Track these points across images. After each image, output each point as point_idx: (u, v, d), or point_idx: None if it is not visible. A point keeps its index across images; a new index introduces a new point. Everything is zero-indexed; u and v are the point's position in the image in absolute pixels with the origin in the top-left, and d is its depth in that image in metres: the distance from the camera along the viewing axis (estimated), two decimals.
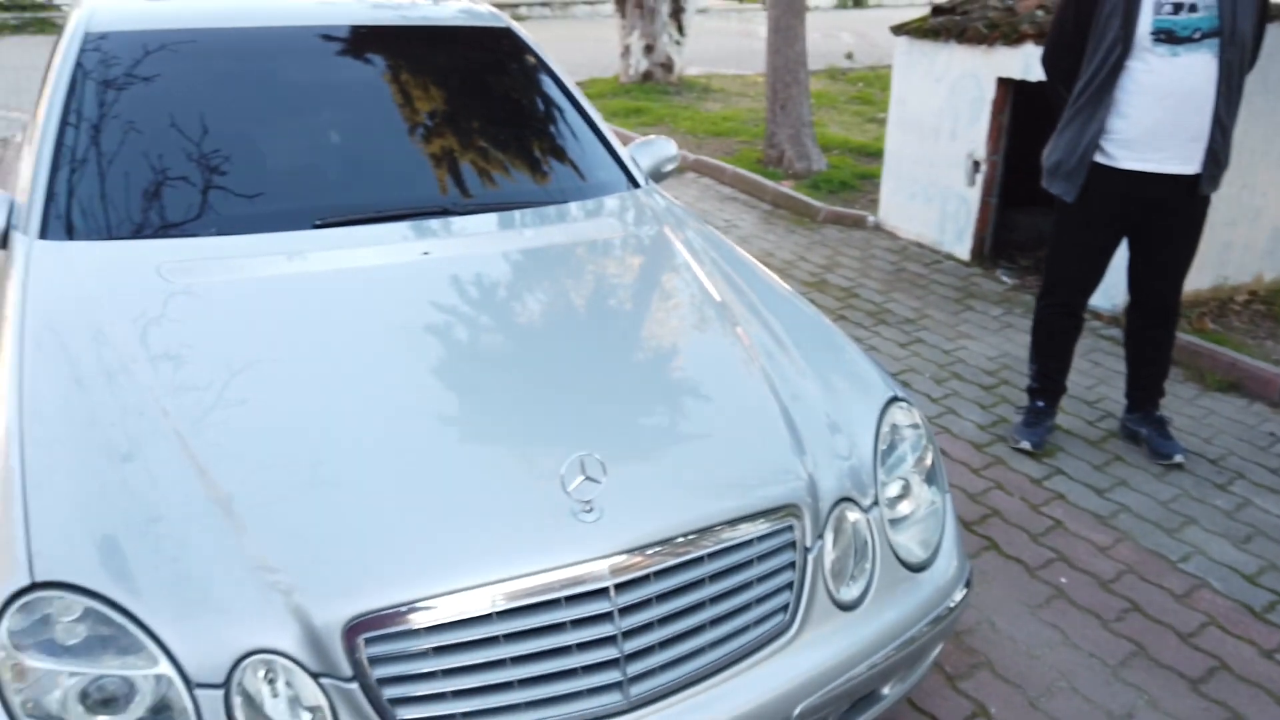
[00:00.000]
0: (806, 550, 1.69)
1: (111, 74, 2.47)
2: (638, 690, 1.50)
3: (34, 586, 1.37)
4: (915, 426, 1.99)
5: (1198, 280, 4.30)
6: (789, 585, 1.67)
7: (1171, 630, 2.47)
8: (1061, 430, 3.45)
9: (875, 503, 1.82)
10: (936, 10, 5.43)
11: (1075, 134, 3.04)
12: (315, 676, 1.38)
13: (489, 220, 2.41)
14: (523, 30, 3.14)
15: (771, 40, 6.98)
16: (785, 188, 6.46)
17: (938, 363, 4.02)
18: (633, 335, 2.02)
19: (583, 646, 1.48)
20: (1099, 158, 3.01)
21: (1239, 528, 2.90)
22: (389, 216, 2.34)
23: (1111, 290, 4.20)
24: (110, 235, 2.18)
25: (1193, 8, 2.82)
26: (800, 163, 6.89)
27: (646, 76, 10.62)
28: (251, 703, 1.38)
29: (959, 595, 1.89)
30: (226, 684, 1.36)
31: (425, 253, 2.21)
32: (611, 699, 1.49)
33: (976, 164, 5.08)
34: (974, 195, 5.15)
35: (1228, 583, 2.66)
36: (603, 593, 1.49)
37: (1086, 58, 2.99)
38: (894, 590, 1.79)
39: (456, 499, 1.54)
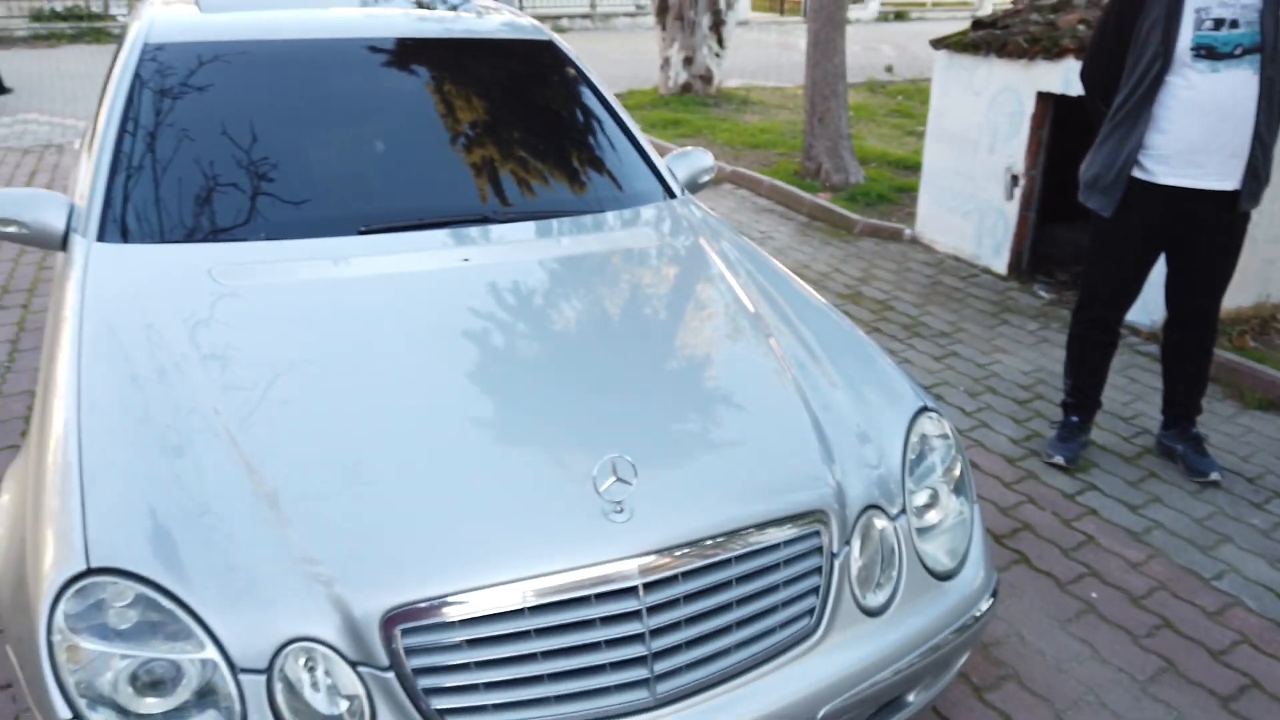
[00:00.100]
0: (833, 556, 1.72)
1: (167, 84, 2.56)
2: (664, 688, 1.54)
3: (89, 572, 1.43)
4: (944, 437, 2.01)
5: (1239, 297, 4.26)
6: (815, 590, 1.70)
7: (1203, 647, 2.46)
8: (1096, 446, 3.43)
9: (903, 511, 1.84)
10: (977, 24, 5.43)
11: (1113, 149, 3.04)
12: (353, 665, 1.43)
13: (527, 229, 2.46)
14: (564, 43, 3.20)
15: (810, 53, 7.01)
16: (822, 200, 6.47)
17: (972, 376, 4.02)
18: (666, 343, 2.06)
19: (611, 643, 1.52)
20: (1137, 173, 3.01)
21: (1275, 546, 2.87)
22: (431, 224, 2.40)
23: (1150, 306, 4.17)
24: (164, 239, 2.26)
25: (1234, 24, 2.82)
26: (838, 175, 6.90)
27: (685, 88, 10.68)
28: (292, 689, 1.43)
29: (985, 605, 1.91)
30: (269, 670, 1.41)
31: (465, 259, 2.27)
32: (638, 696, 1.52)
33: (1015, 178, 5.07)
34: (1012, 209, 5.13)
35: (1261, 601, 2.63)
36: (631, 591, 1.53)
37: (1126, 73, 2.99)
38: (920, 598, 1.81)
39: (491, 497, 1.58)
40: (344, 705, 1.44)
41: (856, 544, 1.77)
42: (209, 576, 1.45)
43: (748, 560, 1.64)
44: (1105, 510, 3.05)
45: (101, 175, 2.36)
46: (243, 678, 1.41)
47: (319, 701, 1.44)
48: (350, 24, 2.91)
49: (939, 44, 5.55)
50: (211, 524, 1.51)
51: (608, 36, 17.74)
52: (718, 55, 10.77)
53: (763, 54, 15.28)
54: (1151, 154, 2.97)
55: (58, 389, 1.78)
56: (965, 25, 5.66)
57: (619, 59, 14.04)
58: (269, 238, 2.28)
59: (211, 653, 1.41)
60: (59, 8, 16.03)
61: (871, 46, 16.11)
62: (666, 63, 10.76)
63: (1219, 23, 2.82)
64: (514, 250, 2.35)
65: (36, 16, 15.58)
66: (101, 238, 2.25)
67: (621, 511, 1.58)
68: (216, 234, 2.29)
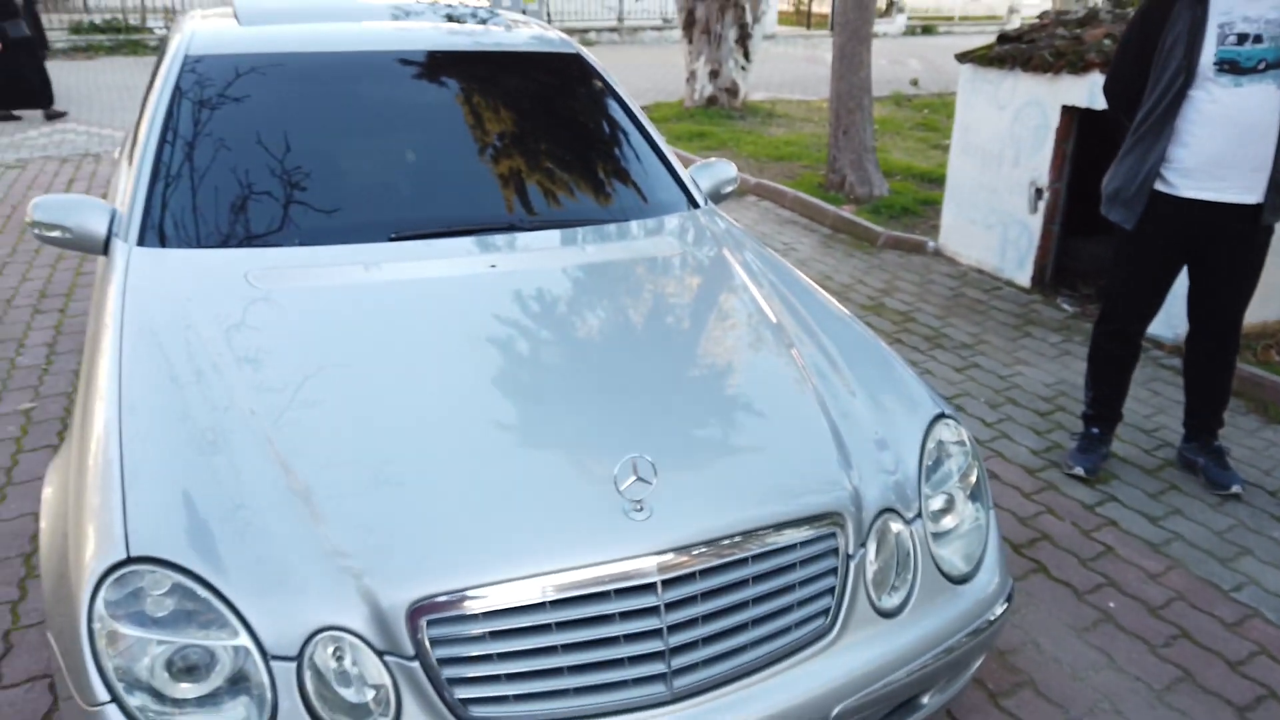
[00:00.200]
0: (849, 557, 1.75)
1: (207, 94, 2.64)
2: (681, 683, 1.58)
3: (129, 561, 1.49)
4: (961, 443, 2.04)
5: (1264, 311, 4.24)
6: (830, 590, 1.73)
7: (1220, 658, 2.46)
8: (1117, 458, 3.44)
9: (918, 515, 1.87)
10: (1002, 39, 5.45)
11: (1136, 162, 3.06)
12: (380, 655, 1.48)
13: (553, 237, 2.52)
14: (591, 55, 3.27)
15: (836, 66, 7.05)
16: (845, 212, 6.50)
17: (993, 388, 4.03)
18: (688, 349, 2.11)
19: (630, 638, 1.56)
20: (1159, 186, 3.02)
21: None
22: (459, 231, 2.47)
23: (1173, 319, 4.17)
24: (202, 244, 2.33)
25: (1257, 39, 2.83)
26: (862, 188, 6.92)
27: (711, 101, 10.75)
28: (321, 677, 1.48)
29: (1000, 609, 1.93)
30: (299, 657, 1.47)
31: (492, 266, 2.33)
32: (656, 690, 1.56)
33: (1039, 191, 5.08)
34: (1036, 222, 5.14)
35: None
36: (650, 588, 1.57)
37: (1149, 87, 3.01)
38: (935, 600, 1.84)
39: (515, 495, 1.63)
40: (370, 694, 1.49)
41: (872, 546, 1.80)
42: (243, 567, 1.51)
43: (764, 560, 1.67)
44: (1125, 521, 3.06)
45: (143, 182, 2.44)
46: (274, 664, 1.46)
47: (347, 690, 1.49)
48: (383, 37, 2.99)
49: (964, 58, 5.57)
50: (246, 518, 1.57)
51: (634, 49, 17.87)
52: (743, 68, 10.83)
53: (789, 67, 15.34)
54: (1174, 167, 2.99)
55: (99, 389, 1.85)
56: (992, 39, 5.69)
57: (645, 72, 14.15)
58: (303, 243, 2.35)
59: (244, 640, 1.46)
60: (98, 20, 16.36)
61: (898, 60, 16.13)
62: (692, 76, 10.84)
63: (1242, 38, 2.84)
64: (539, 257, 2.41)
65: (76, 29, 15.90)
66: (142, 242, 2.33)
67: (641, 510, 1.62)
68: (252, 239, 2.36)
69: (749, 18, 10.66)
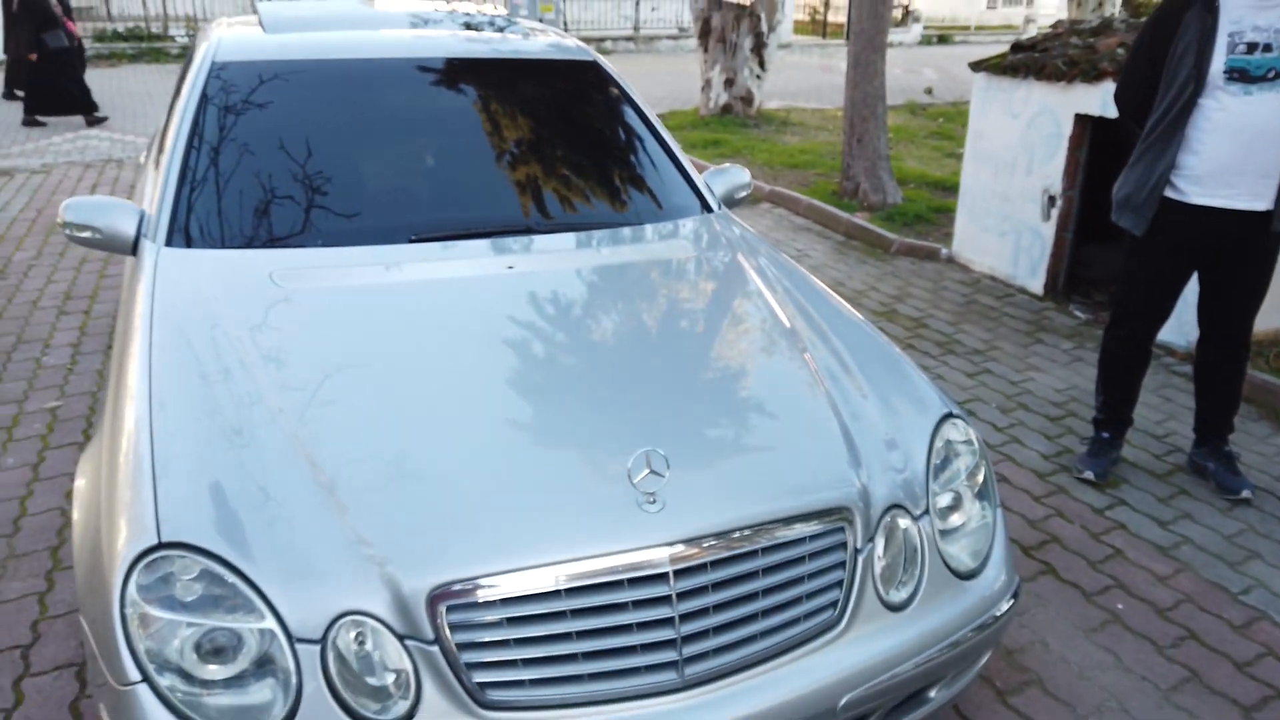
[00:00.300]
0: (857, 552, 1.79)
1: (233, 100, 2.71)
2: (692, 670, 1.62)
3: (160, 546, 1.55)
4: (969, 443, 2.08)
5: (1276, 319, 4.25)
6: (839, 583, 1.77)
7: (1227, 659, 2.48)
8: (1128, 463, 3.46)
9: (926, 512, 1.91)
10: (1016, 48, 5.48)
11: (1146, 169, 3.09)
12: (401, 639, 1.53)
13: (569, 239, 2.57)
14: (608, 63, 3.32)
15: (851, 75, 7.10)
16: (859, 219, 6.54)
17: (1005, 393, 4.06)
18: (701, 350, 2.15)
19: (642, 626, 1.60)
20: (1169, 192, 3.05)
21: None
22: (478, 233, 2.52)
23: (1185, 327, 4.18)
24: (228, 244, 2.40)
25: (1267, 48, 2.86)
26: (875, 195, 6.96)
27: (726, 109, 10.81)
28: (344, 661, 1.53)
29: (1005, 605, 1.97)
30: (323, 640, 1.52)
31: (510, 267, 2.38)
32: (667, 677, 1.61)
33: (1052, 199, 5.11)
34: (1049, 230, 5.17)
35: None
36: (663, 578, 1.61)
37: (1159, 94, 3.04)
38: (941, 595, 1.88)
39: (531, 487, 1.68)
40: (390, 678, 1.54)
41: (880, 542, 1.84)
42: (270, 553, 1.56)
43: (774, 553, 1.72)
44: (1134, 525, 3.08)
45: (170, 184, 2.51)
46: (299, 647, 1.51)
47: (368, 673, 1.53)
48: (404, 44, 3.06)
49: (978, 66, 5.61)
50: (273, 508, 1.62)
51: (650, 58, 17.96)
52: (759, 77, 10.89)
53: (804, 76, 15.39)
54: (1184, 174, 3.02)
55: (130, 385, 1.91)
56: (1008, 49, 5.72)
57: (661, 80, 14.23)
58: (326, 244, 2.41)
59: (270, 623, 1.51)
60: (121, 29, 16.58)
61: (913, 69, 16.16)
62: (708, 84, 10.90)
63: (1252, 47, 2.87)
64: (556, 259, 2.46)
65: (99, 37, 16.13)
66: (170, 243, 2.40)
67: (654, 502, 1.67)
68: (277, 241, 2.42)
69: (764, 27, 10.73)
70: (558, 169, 2.87)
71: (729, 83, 10.77)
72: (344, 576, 1.55)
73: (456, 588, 1.54)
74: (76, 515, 1.84)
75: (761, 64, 10.85)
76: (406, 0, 3.91)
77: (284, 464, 1.70)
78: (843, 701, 1.71)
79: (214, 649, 1.52)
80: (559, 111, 3.07)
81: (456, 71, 3.02)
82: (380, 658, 1.54)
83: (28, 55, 9.65)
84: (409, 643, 1.53)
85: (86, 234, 2.46)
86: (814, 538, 1.76)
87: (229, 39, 2.95)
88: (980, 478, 2.06)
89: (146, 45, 16.30)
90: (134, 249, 2.47)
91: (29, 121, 9.94)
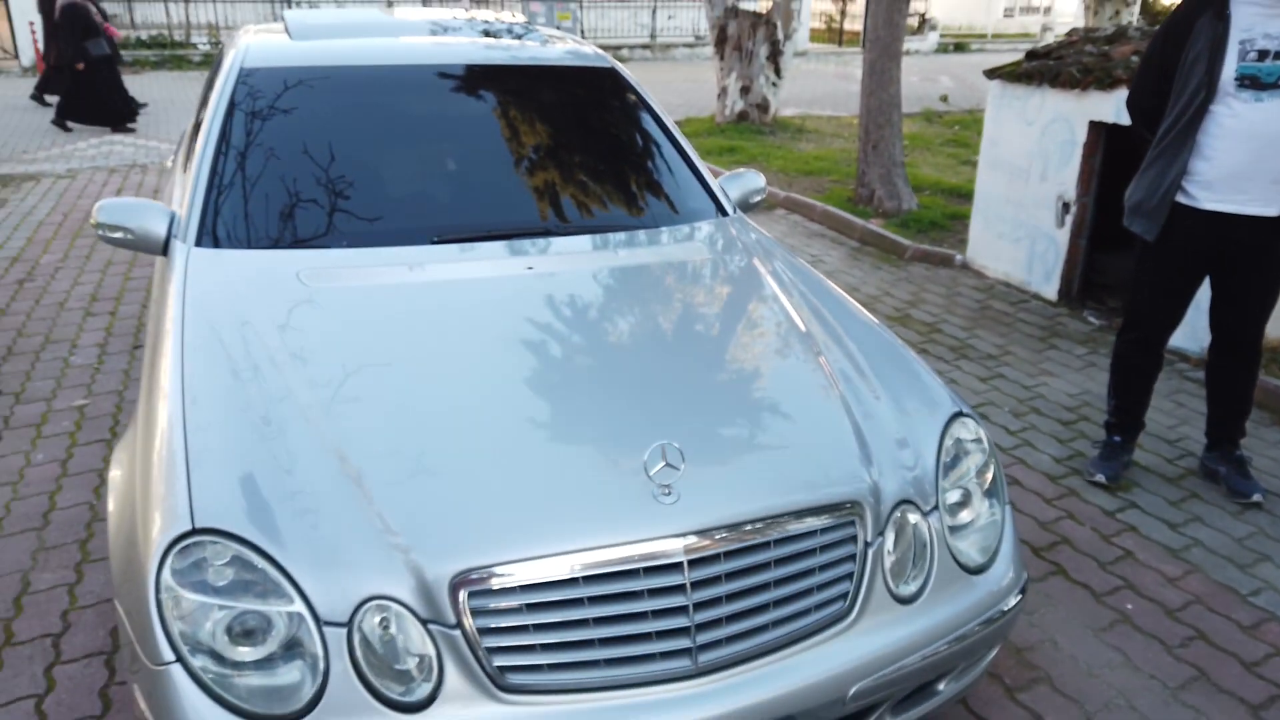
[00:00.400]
0: (867, 545, 1.84)
1: (260, 105, 2.78)
2: (706, 658, 1.67)
3: (194, 532, 1.61)
4: (978, 441, 2.12)
5: None
6: (849, 576, 1.82)
7: (1235, 659, 2.51)
8: (1139, 467, 3.49)
9: (935, 508, 1.95)
10: (1030, 55, 5.51)
11: (1158, 174, 3.12)
12: (424, 623, 1.59)
13: (587, 241, 2.63)
14: (625, 70, 3.38)
15: (866, 82, 7.14)
16: (874, 225, 6.58)
17: (1017, 398, 4.09)
18: (716, 351, 2.20)
19: (657, 614, 1.65)
20: (1181, 198, 3.08)
21: None
22: (499, 235, 2.58)
23: (1199, 333, 4.20)
24: (256, 245, 2.47)
25: (1278, 55, 2.89)
26: (890, 202, 7.00)
27: (742, 117, 10.86)
28: (369, 644, 1.58)
29: (1013, 600, 2.00)
30: (350, 624, 1.57)
31: (529, 268, 2.44)
32: (681, 664, 1.65)
33: (1066, 205, 5.13)
34: (1063, 236, 5.19)
35: None
36: (677, 567, 1.66)
37: (1171, 102, 3.08)
38: (950, 589, 1.92)
39: (550, 479, 1.74)
40: (414, 661, 1.59)
41: (890, 536, 1.88)
42: (299, 541, 1.62)
43: (785, 545, 1.76)
44: (1145, 527, 3.11)
45: (200, 186, 2.58)
46: (326, 630, 1.56)
47: (393, 656, 1.59)
48: (426, 52, 3.13)
49: (993, 74, 5.64)
50: (303, 499, 1.68)
51: (667, 66, 18.04)
52: (774, 85, 10.94)
53: (820, 84, 15.44)
54: (1195, 180, 3.05)
55: (164, 381, 1.97)
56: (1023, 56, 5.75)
57: (677, 88, 14.30)
58: (351, 245, 2.48)
59: (299, 606, 1.57)
60: (144, 36, 16.78)
61: (929, 77, 16.18)
62: (724, 92, 10.96)
63: (1263, 54, 2.90)
64: (574, 260, 2.52)
65: (123, 45, 16.29)
66: (200, 243, 2.47)
67: (669, 494, 1.72)
68: (303, 241, 2.49)
69: (780, 35, 10.78)
70: (576, 173, 2.93)
71: (745, 90, 10.83)
72: (370, 563, 1.60)
73: (477, 574, 1.59)
74: (111, 506, 1.90)
75: (777, 72, 10.90)
76: (427, 9, 3.99)
77: (312, 456, 1.76)
78: (852, 691, 1.75)
79: (244, 631, 1.58)
80: (577, 117, 3.13)
81: (477, 78, 3.09)
82: (404, 641, 1.59)
83: (74, 64, 9.81)
84: (432, 627, 1.59)
85: (119, 234, 2.53)
86: (824, 531, 1.80)
87: (257, 45, 3.03)
88: (989, 476, 2.10)
89: (169, 53, 16.50)
90: (164, 249, 2.54)
91: (59, 123, 10.10)
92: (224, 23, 17.70)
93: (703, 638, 1.67)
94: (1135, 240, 3.27)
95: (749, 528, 1.73)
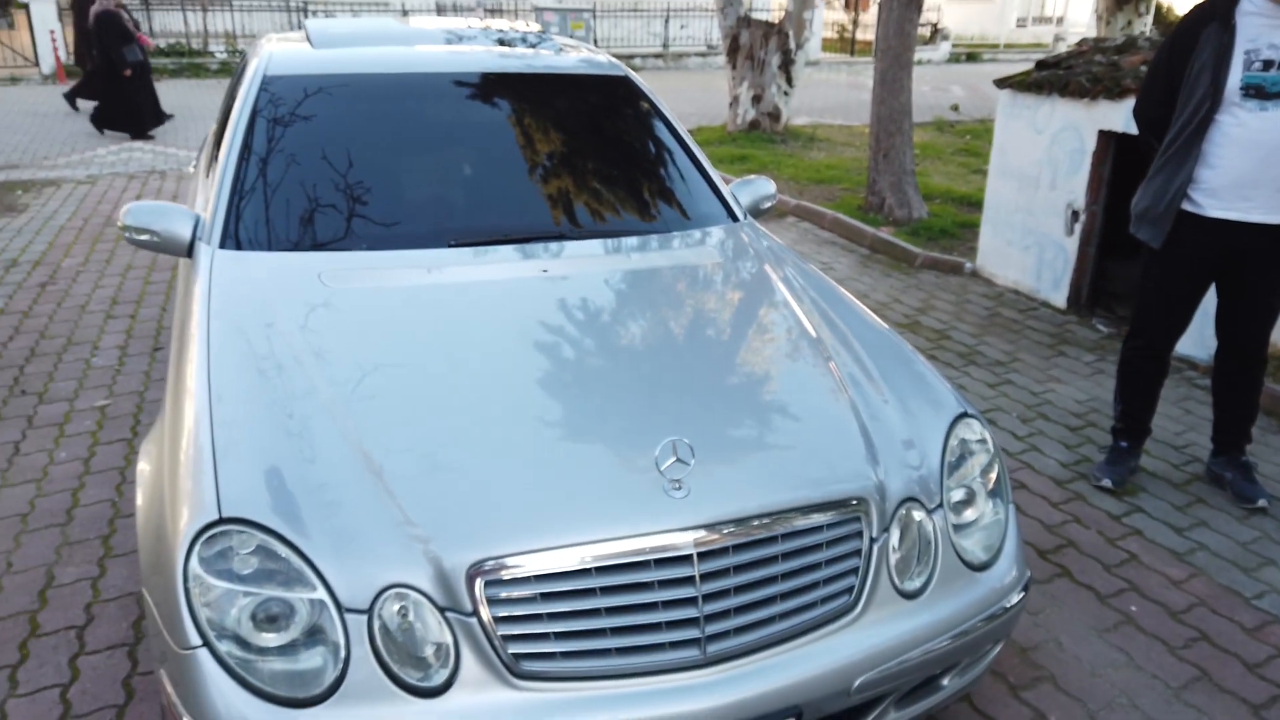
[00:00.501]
0: (872, 541, 1.88)
1: (282, 111, 2.86)
2: (714, 648, 1.71)
3: (220, 521, 1.67)
4: (983, 441, 2.16)
5: None
6: (855, 571, 1.86)
7: (1238, 660, 2.54)
8: (1146, 472, 3.52)
9: (940, 506, 2.00)
10: (1040, 65, 5.56)
11: (1164, 182, 3.16)
12: (441, 611, 1.64)
13: (601, 245, 2.69)
14: (638, 78, 3.44)
15: (877, 91, 7.20)
16: (884, 233, 6.62)
17: (1025, 404, 4.12)
18: (727, 353, 2.25)
19: (667, 605, 1.70)
20: (1186, 206, 3.12)
21: None
22: (514, 239, 2.65)
23: (1206, 340, 4.22)
24: (279, 247, 2.53)
25: None
26: (901, 210, 7.04)
27: (753, 125, 10.93)
28: (388, 631, 1.64)
29: (1016, 598, 2.04)
30: (370, 611, 1.63)
31: (544, 270, 2.50)
32: (690, 654, 1.70)
33: (1076, 214, 5.17)
34: (1072, 244, 5.23)
35: None
36: (687, 559, 1.71)
37: (1177, 110, 3.12)
38: (953, 585, 1.96)
39: (563, 473, 1.79)
40: (431, 649, 1.65)
41: (895, 533, 1.92)
42: (321, 530, 1.67)
43: (792, 539, 1.81)
44: (1150, 531, 3.14)
45: (224, 190, 2.65)
46: (348, 617, 1.62)
47: (411, 642, 1.64)
48: (444, 60, 3.20)
49: (1003, 83, 5.69)
50: (326, 491, 1.74)
51: (679, 75, 18.13)
52: (786, 94, 11.00)
53: (831, 93, 15.49)
54: (1201, 188, 3.09)
55: (190, 378, 2.04)
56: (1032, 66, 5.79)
57: (690, 96, 14.38)
58: (370, 247, 2.54)
59: (321, 594, 1.63)
60: (162, 44, 16.97)
61: (941, 87, 16.22)
62: (736, 100, 11.03)
63: (1268, 64, 2.94)
64: (588, 264, 2.58)
65: None
66: (224, 246, 2.53)
67: (680, 489, 1.77)
68: (324, 243, 2.56)
69: (792, 44, 10.85)
70: (589, 179, 3.00)
71: (757, 99, 10.89)
72: (390, 552, 1.66)
73: (493, 564, 1.65)
74: (140, 499, 1.96)
75: (789, 81, 10.96)
76: (443, 18, 4.06)
77: (335, 451, 1.82)
78: (857, 683, 1.80)
79: (269, 618, 1.64)
80: (591, 124, 3.19)
81: (493, 85, 3.16)
82: (422, 629, 1.65)
83: (122, 72, 9.96)
84: (449, 614, 1.64)
85: (145, 237, 2.60)
86: (830, 527, 1.85)
87: (279, 54, 3.10)
88: (994, 476, 2.14)
89: (187, 61, 16.69)
90: (189, 251, 2.61)
91: (99, 127, 10.28)
92: (241, 31, 17.89)
93: (711, 629, 1.72)
94: (1142, 248, 3.31)
95: (757, 522, 1.78)
